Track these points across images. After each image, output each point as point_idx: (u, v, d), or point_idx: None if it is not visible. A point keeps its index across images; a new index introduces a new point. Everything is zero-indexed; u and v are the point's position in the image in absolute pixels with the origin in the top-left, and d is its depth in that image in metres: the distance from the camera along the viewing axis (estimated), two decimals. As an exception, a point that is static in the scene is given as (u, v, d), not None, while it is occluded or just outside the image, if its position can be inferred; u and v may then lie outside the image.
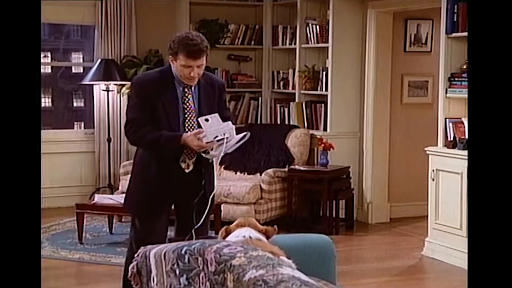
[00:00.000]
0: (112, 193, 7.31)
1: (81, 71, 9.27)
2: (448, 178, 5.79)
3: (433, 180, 5.92)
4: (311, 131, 7.43)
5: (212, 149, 3.76)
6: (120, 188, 7.17)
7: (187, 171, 3.86)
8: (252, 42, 8.25)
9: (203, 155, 3.80)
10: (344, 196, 6.95)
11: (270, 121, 8.13)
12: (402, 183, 7.45)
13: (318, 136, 7.15)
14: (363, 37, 7.25)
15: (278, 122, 7.98)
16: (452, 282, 5.36)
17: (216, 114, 3.75)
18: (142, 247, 2.91)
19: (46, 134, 7.67)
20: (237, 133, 3.79)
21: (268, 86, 8.23)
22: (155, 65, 7.21)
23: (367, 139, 7.28)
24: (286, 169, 7.02)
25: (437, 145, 6.00)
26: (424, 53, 7.46)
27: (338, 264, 3.49)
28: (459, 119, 5.89)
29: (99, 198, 6.37)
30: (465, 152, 5.47)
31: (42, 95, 9.52)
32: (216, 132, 3.71)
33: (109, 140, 7.78)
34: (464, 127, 5.82)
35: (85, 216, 6.35)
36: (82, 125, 9.95)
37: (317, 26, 7.45)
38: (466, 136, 5.68)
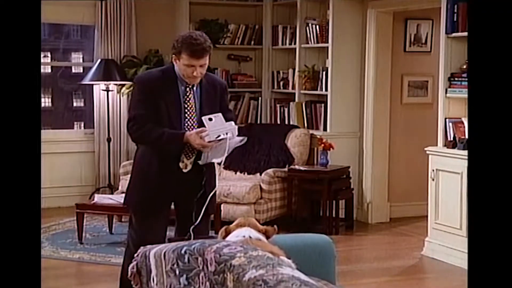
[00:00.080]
0: (112, 193, 7.31)
1: (81, 71, 9.27)
2: (448, 178, 5.79)
3: (433, 180, 5.92)
4: (311, 131, 7.43)
5: (208, 152, 3.77)
6: (120, 188, 7.17)
7: (185, 170, 3.86)
8: (252, 42, 8.25)
9: (199, 162, 3.82)
10: (344, 196, 6.95)
11: (270, 121, 8.12)
12: (402, 183, 7.45)
13: (318, 136, 7.15)
14: (363, 37, 7.25)
15: (278, 122, 7.98)
16: (452, 282, 5.36)
17: (220, 114, 3.76)
18: (142, 247, 2.91)
19: (46, 134, 7.68)
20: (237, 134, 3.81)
21: (268, 86, 8.22)
22: (155, 65, 7.19)
23: (367, 139, 7.28)
24: (286, 169, 7.02)
25: (437, 145, 6.00)
26: (424, 53, 7.46)
27: (338, 264, 3.50)
28: (459, 119, 5.89)
29: (99, 198, 6.37)
30: (465, 152, 5.47)
31: (42, 95, 9.51)
32: (218, 132, 3.72)
33: (109, 140, 7.78)
34: (464, 127, 5.82)
35: (85, 216, 6.35)
36: (82, 125, 9.94)
37: (317, 26, 7.45)
38: (466, 136, 5.68)
